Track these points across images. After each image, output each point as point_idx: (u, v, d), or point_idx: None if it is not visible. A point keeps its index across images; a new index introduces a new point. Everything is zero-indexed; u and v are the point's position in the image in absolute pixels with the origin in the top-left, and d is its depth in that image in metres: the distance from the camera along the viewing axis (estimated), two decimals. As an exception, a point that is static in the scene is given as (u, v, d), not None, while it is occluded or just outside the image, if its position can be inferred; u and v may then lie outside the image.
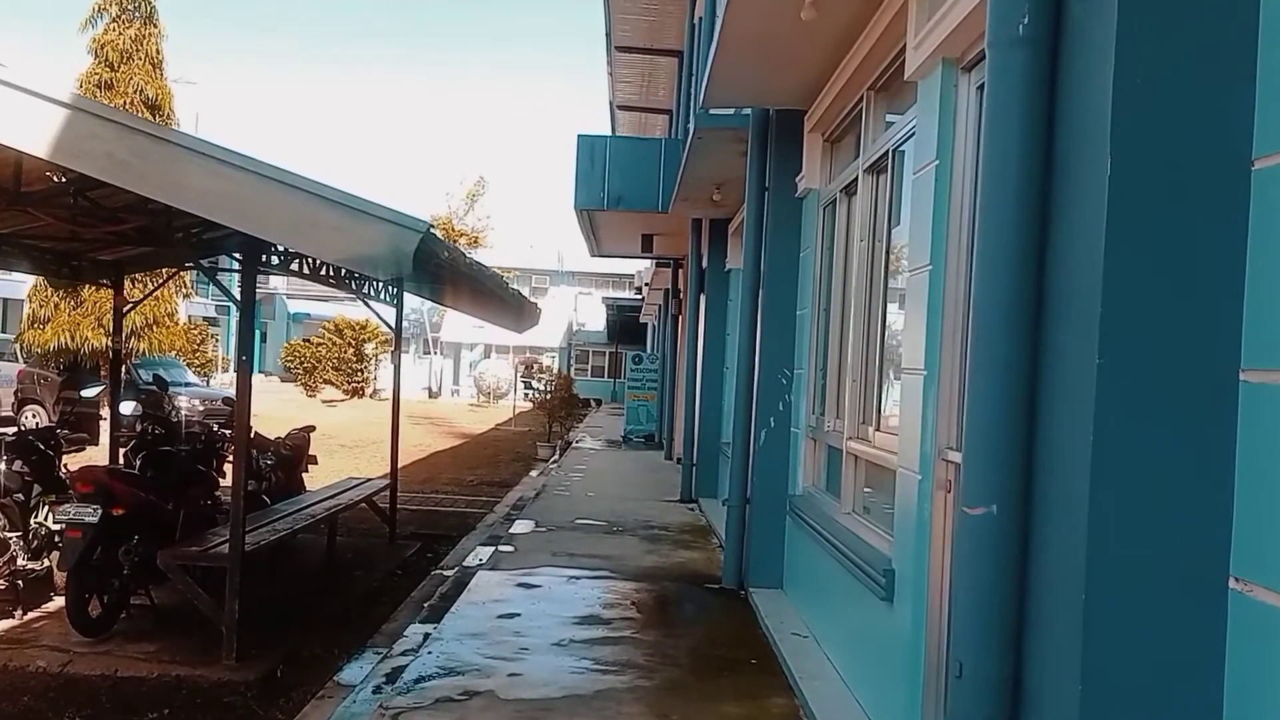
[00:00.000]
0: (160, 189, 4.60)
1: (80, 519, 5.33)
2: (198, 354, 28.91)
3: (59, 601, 6.03)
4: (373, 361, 36.08)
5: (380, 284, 9.18)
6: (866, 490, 4.95)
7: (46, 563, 6.25)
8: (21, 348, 16.11)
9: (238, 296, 5.98)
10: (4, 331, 21.19)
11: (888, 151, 4.54)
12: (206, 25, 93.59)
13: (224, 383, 35.03)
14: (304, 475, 9.73)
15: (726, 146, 7.84)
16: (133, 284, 13.34)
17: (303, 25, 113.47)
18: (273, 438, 9.09)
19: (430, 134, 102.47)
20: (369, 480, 10.15)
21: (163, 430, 7.20)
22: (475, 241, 43.49)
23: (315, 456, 9.83)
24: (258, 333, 54.65)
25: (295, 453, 9.17)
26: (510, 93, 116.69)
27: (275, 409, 28.37)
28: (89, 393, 9.41)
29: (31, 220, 7.05)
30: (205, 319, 48.34)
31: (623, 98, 20.53)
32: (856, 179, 5.19)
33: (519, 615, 5.76)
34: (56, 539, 6.11)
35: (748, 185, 6.90)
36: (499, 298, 8.70)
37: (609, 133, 20.93)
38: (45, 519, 6.31)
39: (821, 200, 6.16)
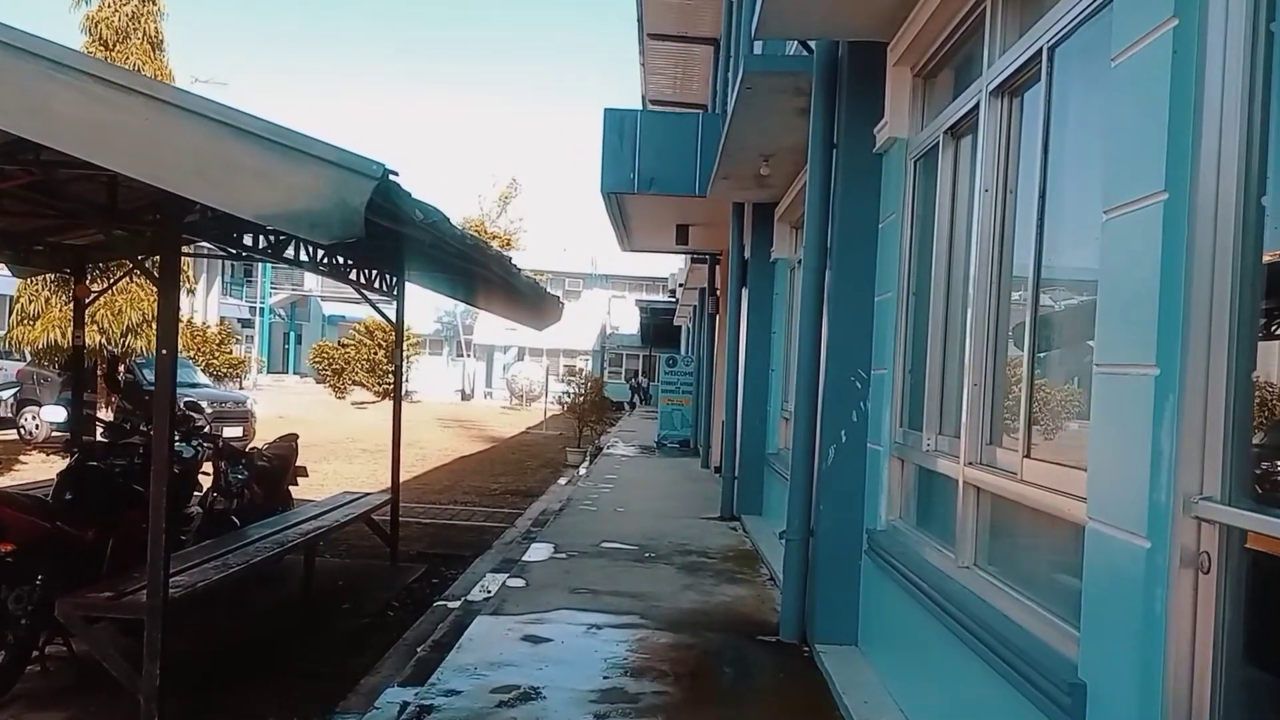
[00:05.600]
0: (14, 118, 3.33)
1: (-54, 562, 4.08)
2: (218, 354, 28.04)
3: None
4: (405, 363, 35.25)
5: (376, 274, 7.93)
6: (998, 538, 3.55)
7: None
8: (12, 345, 15.13)
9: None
10: None
11: (1039, 52, 3.14)
12: (236, 26, 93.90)
13: (252, 385, 34.39)
14: (293, 488, 8.55)
15: (781, 101, 6.46)
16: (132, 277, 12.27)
17: (332, 27, 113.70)
18: (248, 447, 7.88)
19: (463, 136, 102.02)
20: (367, 495, 8.89)
21: (107, 441, 6.00)
22: (508, 244, 42.84)
23: (304, 468, 8.58)
24: (293, 335, 54.23)
25: (278, 464, 7.91)
26: (542, 95, 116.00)
27: (302, 411, 27.58)
28: (4, 394, 8.31)
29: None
30: (240, 320, 47.97)
31: (656, 91, 19.90)
32: (974, 109, 3.80)
33: (519, 689, 4.41)
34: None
35: (811, 142, 5.52)
36: (510, 286, 7.36)
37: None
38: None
39: (911, 152, 4.77)
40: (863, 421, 5.18)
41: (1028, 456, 3.04)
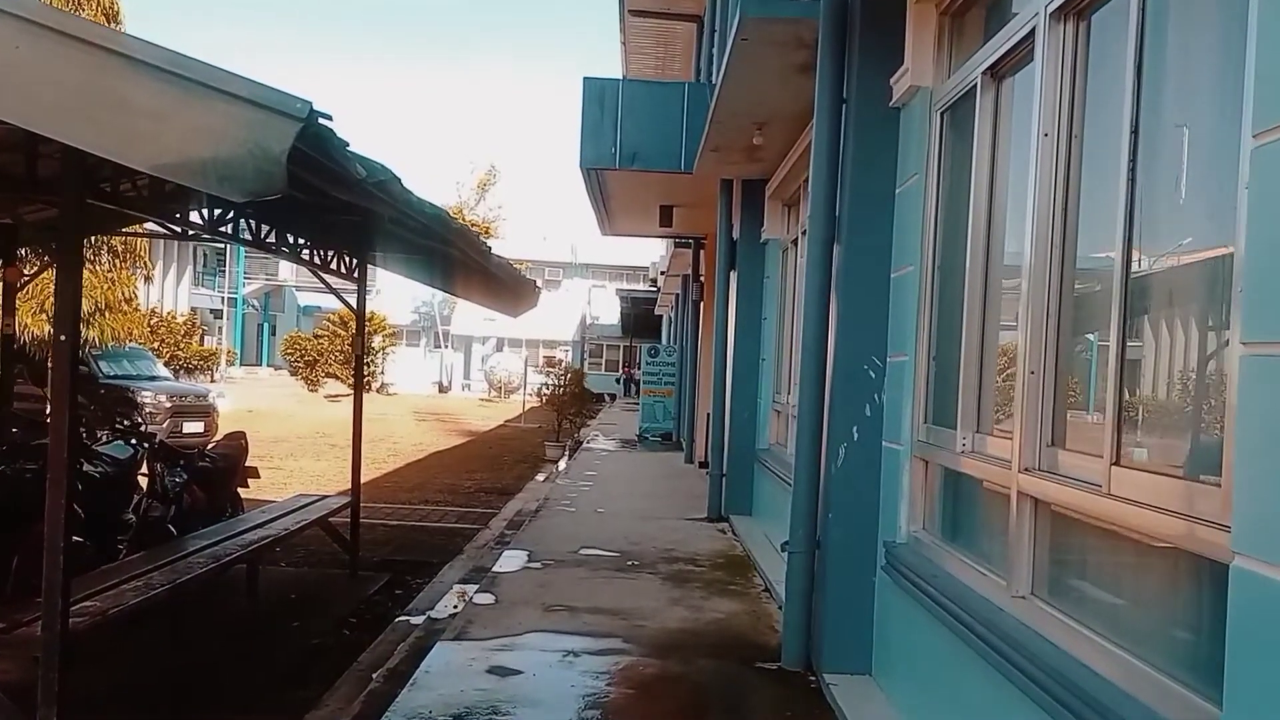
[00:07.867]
0: None
1: None
2: (185, 346, 27.11)
3: None
4: (380, 354, 34.34)
5: (334, 254, 7.20)
6: (1066, 564, 2.91)
7: None
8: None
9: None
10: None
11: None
12: (216, 13, 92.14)
13: (220, 378, 33.41)
14: (243, 490, 7.85)
15: (780, 56, 5.78)
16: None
17: (310, 10, 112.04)
18: (209, 444, 7.18)
19: (441, 123, 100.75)
20: (325, 498, 8.19)
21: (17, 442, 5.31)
22: (487, 232, 42.00)
23: (255, 468, 7.87)
24: (266, 326, 53.04)
25: (223, 464, 7.20)
26: (522, 82, 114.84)
27: (273, 404, 26.70)
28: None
29: None
30: (212, 311, 46.79)
31: (636, 72, 19.56)
32: (1027, 40, 3.15)
33: (481, 738, 3.75)
34: None
35: (817, 98, 4.84)
36: (482, 267, 6.66)
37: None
38: None
39: (937, 102, 4.12)
40: (878, 416, 4.54)
41: (1117, 464, 2.40)
